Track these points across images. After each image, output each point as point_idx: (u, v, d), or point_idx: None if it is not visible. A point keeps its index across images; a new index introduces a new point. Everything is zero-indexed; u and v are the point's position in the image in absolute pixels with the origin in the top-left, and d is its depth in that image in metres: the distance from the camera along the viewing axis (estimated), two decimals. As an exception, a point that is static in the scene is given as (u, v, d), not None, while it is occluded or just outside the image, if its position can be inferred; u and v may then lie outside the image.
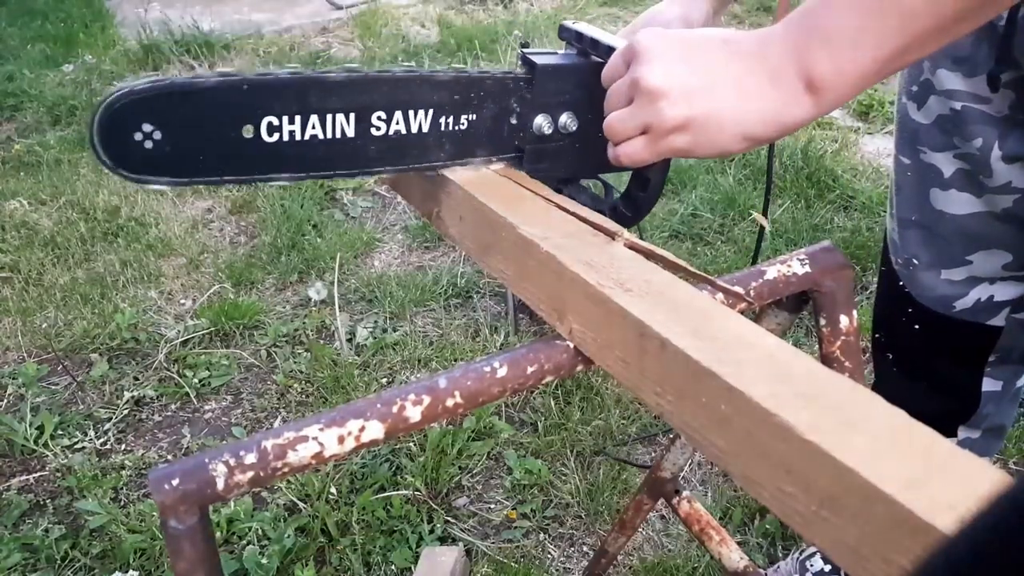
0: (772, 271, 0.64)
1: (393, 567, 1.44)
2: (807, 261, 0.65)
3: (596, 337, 0.56)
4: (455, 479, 1.61)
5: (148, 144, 0.56)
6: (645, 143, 0.61)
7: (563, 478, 1.60)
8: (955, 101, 0.91)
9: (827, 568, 1.34)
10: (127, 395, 1.82)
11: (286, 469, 0.51)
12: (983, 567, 0.24)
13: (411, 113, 0.65)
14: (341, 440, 0.52)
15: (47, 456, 1.68)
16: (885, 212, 1.13)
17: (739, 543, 1.10)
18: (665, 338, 0.49)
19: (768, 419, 0.43)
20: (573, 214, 0.66)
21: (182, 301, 2.17)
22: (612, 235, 0.62)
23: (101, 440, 1.72)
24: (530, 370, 0.57)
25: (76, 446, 1.70)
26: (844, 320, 0.67)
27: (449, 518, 1.53)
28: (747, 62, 0.57)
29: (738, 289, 0.61)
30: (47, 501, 1.58)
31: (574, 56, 0.73)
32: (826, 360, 0.68)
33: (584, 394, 1.78)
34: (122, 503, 1.58)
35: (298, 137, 0.61)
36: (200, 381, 1.87)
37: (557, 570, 1.45)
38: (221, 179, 0.60)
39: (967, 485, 0.38)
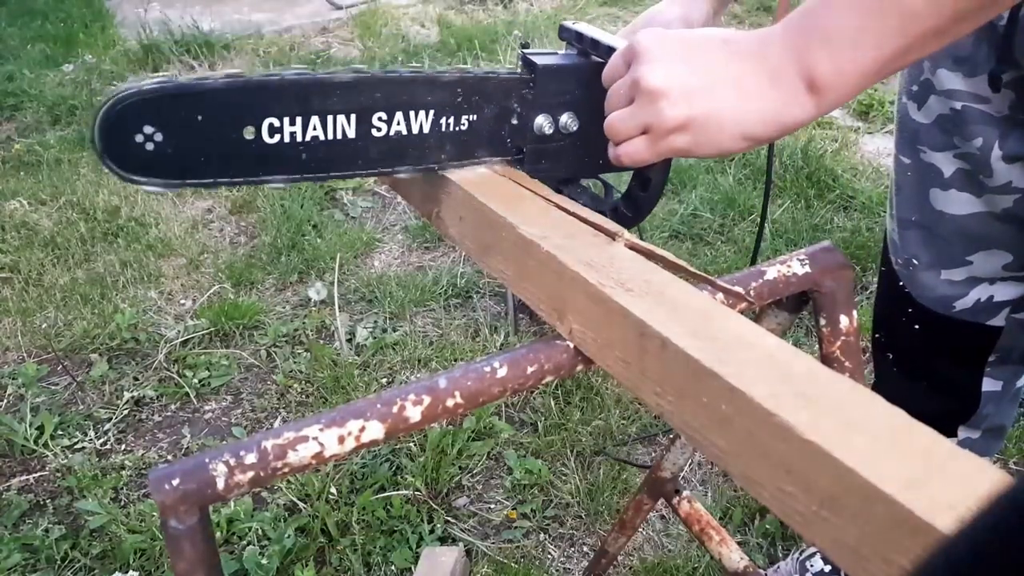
0: (772, 271, 0.64)
1: (393, 567, 1.44)
2: (807, 261, 0.65)
3: (596, 337, 0.56)
4: (455, 479, 1.61)
5: (149, 146, 0.56)
6: (646, 143, 0.61)
7: (563, 478, 1.60)
8: (955, 101, 0.91)
9: (827, 568, 1.34)
10: (127, 395, 1.82)
11: (286, 469, 0.51)
12: (983, 567, 0.24)
13: (412, 114, 0.65)
14: (341, 440, 0.52)
15: (47, 456, 1.68)
16: (885, 212, 1.13)
17: (739, 543, 1.10)
18: (665, 338, 0.49)
19: (768, 419, 0.43)
20: (573, 214, 0.66)
21: (182, 301, 2.17)
22: (612, 235, 0.62)
23: (101, 440, 1.72)
24: (530, 370, 0.57)
25: (76, 446, 1.70)
26: (844, 320, 0.67)
27: (449, 518, 1.53)
28: (747, 62, 0.57)
29: (738, 289, 0.61)
30: (47, 501, 1.58)
31: (574, 56, 0.73)
32: (826, 360, 0.68)
33: (584, 394, 1.78)
34: (122, 503, 1.58)
35: (299, 138, 0.61)
36: (200, 381, 1.87)
37: (557, 570, 1.45)
38: (222, 181, 0.60)
39: (967, 485, 0.38)
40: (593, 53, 0.71)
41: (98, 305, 2.10)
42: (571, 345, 0.59)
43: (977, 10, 0.50)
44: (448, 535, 1.51)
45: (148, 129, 0.55)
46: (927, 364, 1.11)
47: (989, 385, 1.07)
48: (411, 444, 1.65)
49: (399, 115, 0.64)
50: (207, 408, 1.83)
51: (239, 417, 1.80)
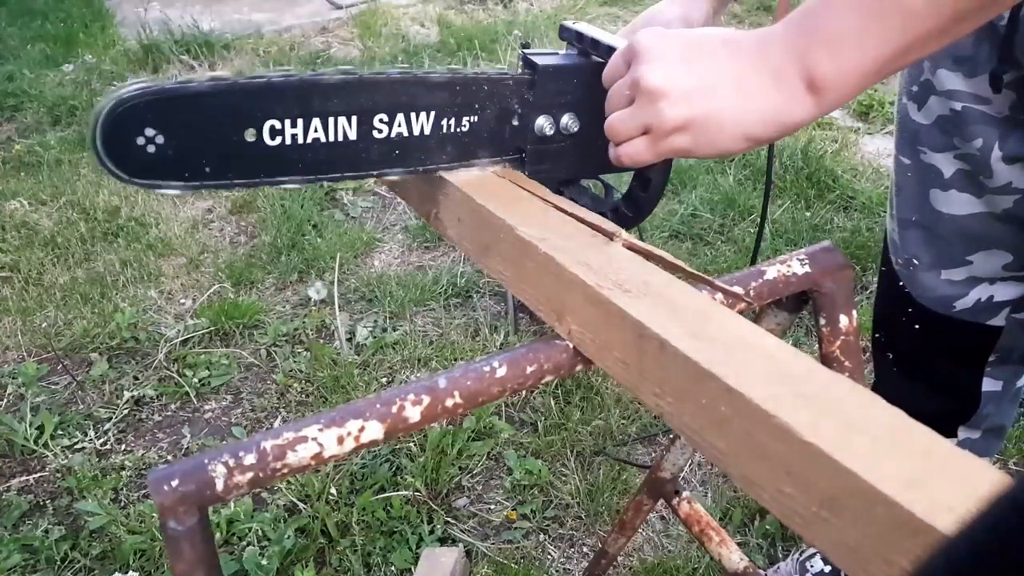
0: (772, 271, 0.64)
1: (393, 568, 1.44)
2: (807, 261, 0.65)
3: (595, 338, 0.56)
4: (455, 479, 1.61)
5: (151, 148, 0.55)
6: (646, 143, 0.61)
7: (563, 478, 1.60)
8: (955, 101, 0.91)
9: (827, 569, 1.34)
10: (127, 395, 1.82)
11: (286, 470, 0.51)
12: (983, 567, 0.24)
13: (413, 115, 0.65)
14: (341, 440, 0.52)
15: (47, 456, 1.68)
16: (885, 212, 1.13)
17: (739, 544, 1.10)
18: (664, 339, 0.49)
19: (768, 420, 0.43)
20: (571, 215, 0.66)
21: (182, 301, 2.17)
22: (611, 236, 0.62)
23: (101, 440, 1.72)
24: (530, 370, 0.57)
25: (76, 446, 1.70)
26: (844, 320, 0.67)
27: (449, 519, 1.53)
28: (748, 62, 0.57)
29: (738, 289, 0.61)
30: (47, 502, 1.58)
31: (575, 56, 0.73)
32: (826, 360, 0.68)
33: (584, 394, 1.78)
34: (122, 504, 1.58)
35: (300, 140, 0.60)
36: (200, 381, 1.87)
37: (557, 571, 1.45)
38: (224, 183, 0.59)
39: (967, 486, 0.38)
40: (593, 53, 0.71)
41: (98, 304, 2.10)
42: (570, 345, 0.59)
43: (977, 10, 0.50)
44: (448, 536, 1.51)
45: (149, 132, 0.55)
46: (927, 364, 1.11)
47: (989, 385, 1.07)
48: (411, 444, 1.65)
49: (400, 117, 0.64)
50: (207, 408, 1.83)
51: (239, 417, 1.80)
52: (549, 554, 1.48)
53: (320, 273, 2.24)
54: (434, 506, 1.55)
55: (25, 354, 1.97)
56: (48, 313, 2.09)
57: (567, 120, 0.72)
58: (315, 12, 4.26)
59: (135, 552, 1.45)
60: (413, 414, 0.54)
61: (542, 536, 1.51)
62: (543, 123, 0.71)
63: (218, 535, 1.48)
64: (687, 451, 0.97)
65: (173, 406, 1.83)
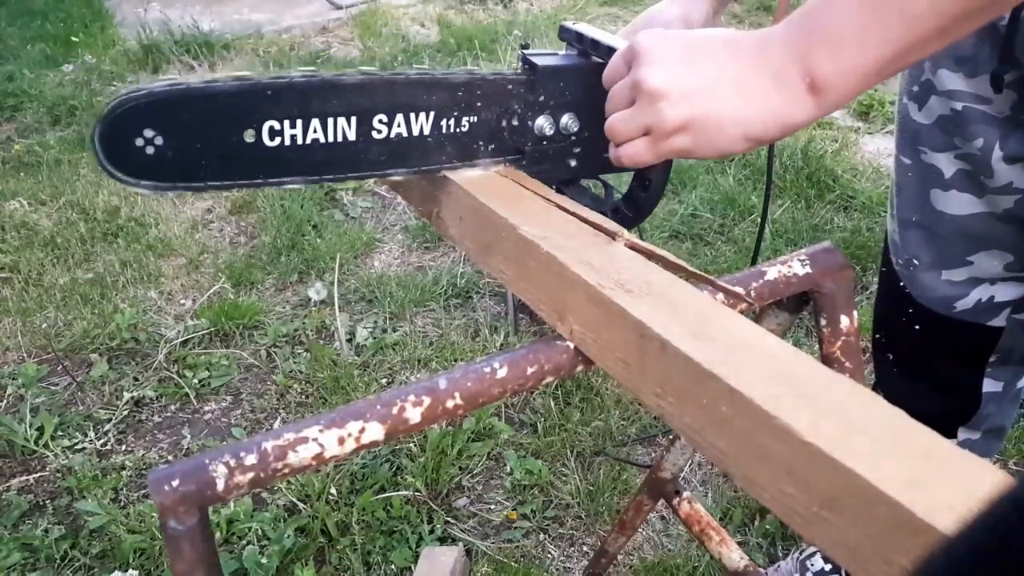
0: (772, 272, 0.64)
1: (393, 567, 1.44)
2: (807, 262, 0.65)
3: (596, 338, 0.56)
4: (455, 479, 1.61)
5: (150, 150, 0.55)
6: (647, 144, 0.61)
7: (563, 478, 1.60)
8: (956, 101, 0.91)
9: (827, 568, 1.34)
10: (127, 395, 1.82)
11: (286, 470, 0.51)
12: (983, 567, 0.24)
13: (412, 116, 0.65)
14: (341, 441, 0.52)
15: (47, 457, 1.68)
16: (885, 212, 1.13)
17: (739, 543, 1.10)
18: (665, 339, 0.49)
19: (769, 420, 0.43)
20: (573, 214, 0.66)
21: (182, 301, 2.17)
22: (612, 235, 0.62)
23: (101, 441, 1.72)
24: (530, 371, 0.57)
25: (76, 447, 1.70)
26: (844, 320, 0.67)
27: (449, 518, 1.53)
28: (748, 63, 0.57)
29: (738, 290, 0.61)
30: (47, 501, 1.58)
31: (575, 57, 0.73)
32: (826, 360, 0.68)
33: (584, 395, 1.78)
34: (122, 503, 1.58)
35: (299, 141, 0.60)
36: (200, 381, 1.87)
37: (557, 570, 1.45)
38: (224, 184, 0.59)
39: (967, 486, 0.38)
40: (593, 54, 0.71)
41: (98, 305, 2.10)
42: (571, 345, 0.59)
43: (978, 11, 0.50)
44: (448, 535, 1.51)
45: (148, 133, 0.55)
46: (928, 364, 1.11)
47: (990, 386, 1.07)
48: (411, 445, 1.65)
49: (400, 117, 0.64)
50: (207, 408, 1.83)
51: (239, 417, 1.80)
52: (549, 553, 1.48)
53: (320, 274, 2.24)
54: (434, 506, 1.55)
55: (25, 355, 1.97)
56: (48, 314, 2.09)
57: (567, 120, 0.72)
58: (315, 13, 4.27)
59: (135, 551, 1.45)
60: (413, 415, 0.54)
61: (542, 535, 1.51)
62: (543, 123, 0.71)
63: (218, 534, 1.48)
64: (687, 451, 0.97)
65: (173, 407, 1.83)
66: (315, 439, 0.51)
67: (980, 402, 1.08)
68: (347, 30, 4.10)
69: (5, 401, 1.83)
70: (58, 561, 1.45)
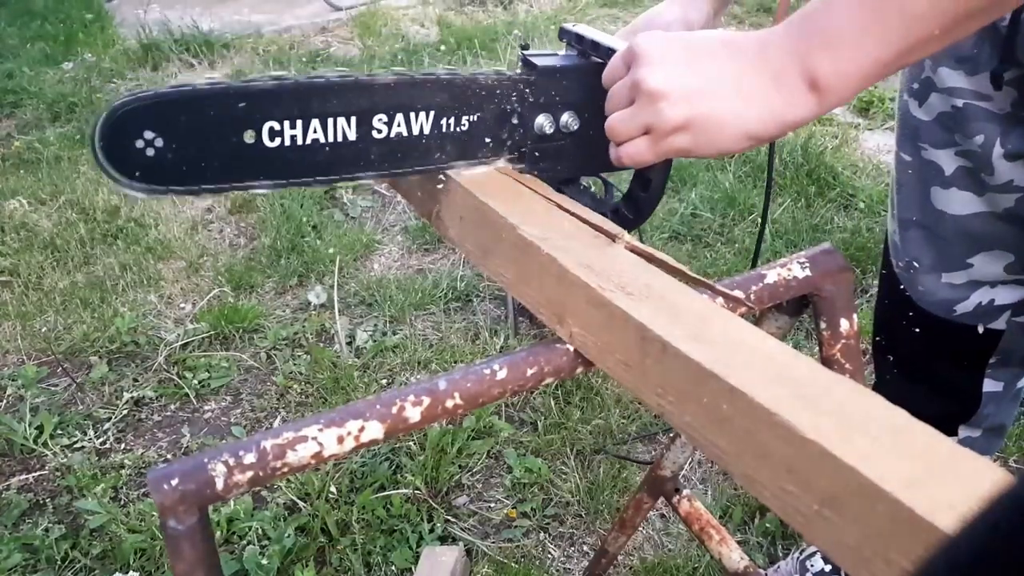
0: (772, 275, 0.64)
1: (393, 567, 1.44)
2: (807, 264, 0.65)
3: (597, 340, 0.56)
4: (455, 478, 1.61)
5: (150, 152, 0.55)
6: (647, 143, 0.61)
7: (563, 477, 1.60)
8: (957, 98, 0.91)
9: (827, 568, 1.34)
10: (126, 396, 1.82)
11: (285, 469, 0.51)
12: (984, 566, 0.24)
13: (412, 115, 0.65)
14: (340, 440, 0.52)
15: (47, 455, 1.68)
16: (885, 212, 1.13)
17: (739, 542, 1.10)
18: (666, 341, 0.49)
19: (769, 419, 0.43)
20: (574, 215, 0.66)
21: (182, 305, 2.17)
22: (613, 237, 0.62)
23: (101, 440, 1.72)
24: (530, 372, 0.57)
25: (75, 445, 1.70)
26: (844, 323, 0.67)
27: (449, 517, 1.53)
28: (748, 63, 0.57)
29: (738, 293, 0.61)
30: (47, 500, 1.58)
31: (575, 58, 0.73)
32: (826, 362, 0.68)
33: (584, 393, 1.78)
34: (122, 502, 1.57)
35: (299, 142, 0.60)
36: (200, 382, 1.87)
37: (557, 570, 1.45)
38: (223, 187, 0.59)
39: (968, 484, 0.38)
40: (593, 55, 0.71)
41: (98, 309, 2.10)
42: (571, 348, 0.59)
43: (979, 12, 0.50)
44: (448, 534, 1.51)
45: (148, 135, 0.55)
46: (928, 367, 1.11)
47: (990, 386, 1.07)
48: (411, 443, 1.65)
49: (399, 117, 0.64)
50: (207, 408, 1.83)
51: (238, 417, 1.80)
52: (549, 553, 1.48)
53: (320, 277, 2.24)
54: (434, 504, 1.55)
55: (25, 357, 1.97)
56: (48, 317, 2.09)
57: (567, 118, 0.72)
58: (315, 13, 4.27)
59: (135, 551, 1.45)
60: (413, 415, 0.54)
61: (542, 535, 1.51)
62: (543, 122, 0.71)
63: (218, 534, 1.48)
64: (687, 449, 0.97)
65: (173, 406, 1.83)
66: (314, 438, 0.51)
67: (980, 403, 1.08)
68: (346, 30, 4.10)
69: (5, 401, 1.83)
70: (59, 562, 1.45)
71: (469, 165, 0.71)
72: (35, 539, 1.48)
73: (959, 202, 0.96)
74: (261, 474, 0.50)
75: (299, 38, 4.02)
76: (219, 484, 0.49)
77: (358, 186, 2.64)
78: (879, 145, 2.83)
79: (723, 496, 1.57)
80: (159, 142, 0.56)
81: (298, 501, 1.54)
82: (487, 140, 0.70)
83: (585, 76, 0.71)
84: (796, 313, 0.71)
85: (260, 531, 1.48)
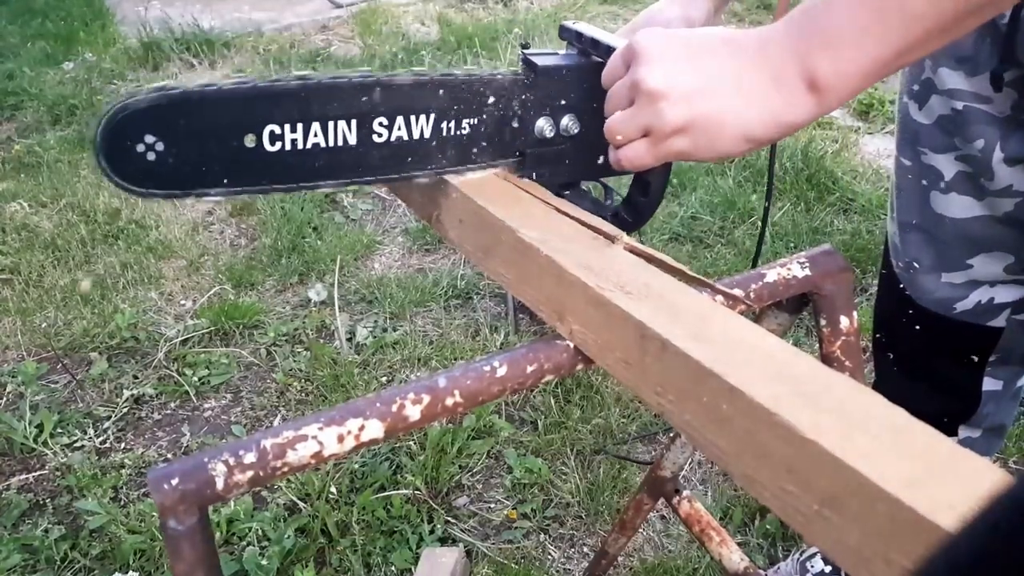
0: (772, 274, 0.64)
1: (393, 568, 1.44)
2: (807, 264, 0.65)
3: (596, 338, 0.56)
4: (455, 478, 1.61)
5: (151, 156, 0.55)
6: (646, 146, 0.61)
7: (563, 477, 1.60)
8: (957, 101, 0.91)
9: (827, 569, 1.34)
10: (126, 393, 1.82)
11: (286, 468, 0.51)
12: (984, 566, 0.24)
13: (413, 119, 0.64)
14: (340, 439, 0.52)
15: (46, 455, 1.68)
16: (885, 215, 1.13)
17: (739, 543, 1.10)
18: (666, 339, 0.49)
19: (769, 419, 0.43)
20: (573, 218, 0.66)
21: (182, 302, 2.17)
22: (612, 239, 0.62)
23: (101, 439, 1.72)
24: (530, 369, 0.57)
25: (75, 444, 1.70)
26: (844, 320, 0.67)
27: (449, 518, 1.53)
28: (748, 62, 0.56)
29: (738, 292, 0.61)
30: (47, 500, 1.58)
31: (575, 56, 0.72)
32: (826, 360, 0.68)
33: (584, 392, 1.78)
34: (122, 502, 1.57)
35: (300, 146, 0.60)
36: (200, 379, 1.88)
37: (557, 571, 1.45)
38: (223, 192, 0.59)
39: (968, 484, 0.38)
40: (593, 53, 0.71)
41: (98, 306, 2.10)
42: (571, 345, 0.59)
43: (978, 9, 0.50)
44: (448, 535, 1.51)
45: (149, 139, 0.55)
46: (928, 364, 1.11)
47: (990, 385, 1.07)
48: (411, 443, 1.65)
49: (400, 120, 0.64)
50: (207, 406, 1.83)
51: (238, 415, 1.80)
52: (549, 554, 1.48)
53: (320, 275, 2.24)
54: (434, 505, 1.55)
55: (24, 354, 1.97)
56: (48, 314, 2.09)
57: (567, 122, 0.72)
58: (315, 11, 4.27)
59: (135, 552, 1.45)
60: (413, 413, 0.54)
61: (542, 536, 1.51)
62: (543, 125, 0.71)
63: (218, 534, 1.48)
64: (687, 449, 0.97)
65: (173, 404, 1.83)
66: (315, 437, 0.51)
67: (980, 401, 1.08)
68: (347, 28, 4.10)
69: (4, 399, 1.83)
70: (58, 563, 1.45)
71: (469, 170, 0.71)
72: (35, 539, 1.48)
73: (959, 206, 0.96)
74: (261, 474, 0.50)
75: (300, 36, 4.02)
76: (219, 484, 0.49)
77: (358, 189, 2.64)
78: (879, 149, 2.83)
79: (723, 497, 1.56)
80: (160, 146, 0.55)
81: (298, 502, 1.54)
82: (487, 143, 0.70)
83: (585, 76, 0.70)
84: (796, 310, 0.71)
85: (260, 532, 1.48)
